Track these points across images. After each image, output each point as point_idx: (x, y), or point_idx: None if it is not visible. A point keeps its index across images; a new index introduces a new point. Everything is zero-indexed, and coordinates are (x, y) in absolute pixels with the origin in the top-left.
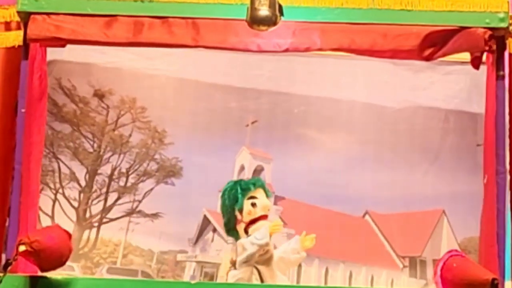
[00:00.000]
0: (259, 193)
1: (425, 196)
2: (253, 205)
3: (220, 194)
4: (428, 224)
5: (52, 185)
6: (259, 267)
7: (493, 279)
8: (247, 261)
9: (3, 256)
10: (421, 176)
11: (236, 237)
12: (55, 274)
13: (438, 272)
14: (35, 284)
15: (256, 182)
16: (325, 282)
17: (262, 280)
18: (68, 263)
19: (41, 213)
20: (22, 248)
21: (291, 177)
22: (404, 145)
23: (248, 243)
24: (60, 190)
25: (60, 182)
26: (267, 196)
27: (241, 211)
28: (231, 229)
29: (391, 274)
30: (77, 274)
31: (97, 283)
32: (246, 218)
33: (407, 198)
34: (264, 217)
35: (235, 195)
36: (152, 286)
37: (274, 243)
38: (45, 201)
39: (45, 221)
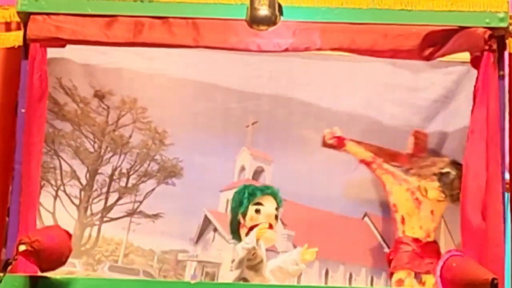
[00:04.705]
0: (267, 201)
1: None
2: (257, 211)
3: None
4: None
5: (53, 182)
6: (247, 275)
7: (493, 279)
8: (239, 266)
9: (3, 256)
10: None
11: (239, 240)
12: (56, 273)
13: (438, 272)
14: (35, 284)
15: (265, 189)
16: (326, 284)
17: None
18: (69, 259)
19: (42, 210)
20: (22, 247)
21: (292, 178)
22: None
23: (240, 248)
24: (61, 187)
25: (61, 179)
26: (278, 205)
27: (244, 215)
28: (234, 231)
29: None
30: (79, 271)
31: (98, 283)
32: (248, 223)
33: None
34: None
35: (240, 199)
36: (152, 286)
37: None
38: (46, 197)
39: (46, 217)
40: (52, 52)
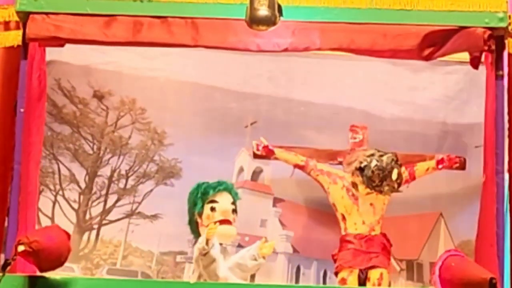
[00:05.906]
0: (221, 197)
1: (423, 199)
2: (212, 209)
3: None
4: (425, 227)
5: (52, 187)
6: (204, 274)
7: (491, 278)
8: (196, 266)
9: (2, 256)
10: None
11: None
12: (55, 273)
13: (437, 272)
14: (34, 284)
15: (217, 185)
16: (324, 284)
17: None
18: (68, 264)
19: (41, 215)
20: (21, 248)
21: (290, 179)
22: (403, 146)
23: (195, 247)
24: (60, 192)
25: (60, 184)
26: (234, 200)
27: (200, 215)
28: (194, 231)
29: (388, 276)
30: (77, 276)
31: (97, 283)
32: (205, 222)
33: (405, 201)
34: (224, 221)
35: (194, 199)
36: (152, 286)
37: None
38: (45, 202)
39: (45, 223)
40: (51, 54)
